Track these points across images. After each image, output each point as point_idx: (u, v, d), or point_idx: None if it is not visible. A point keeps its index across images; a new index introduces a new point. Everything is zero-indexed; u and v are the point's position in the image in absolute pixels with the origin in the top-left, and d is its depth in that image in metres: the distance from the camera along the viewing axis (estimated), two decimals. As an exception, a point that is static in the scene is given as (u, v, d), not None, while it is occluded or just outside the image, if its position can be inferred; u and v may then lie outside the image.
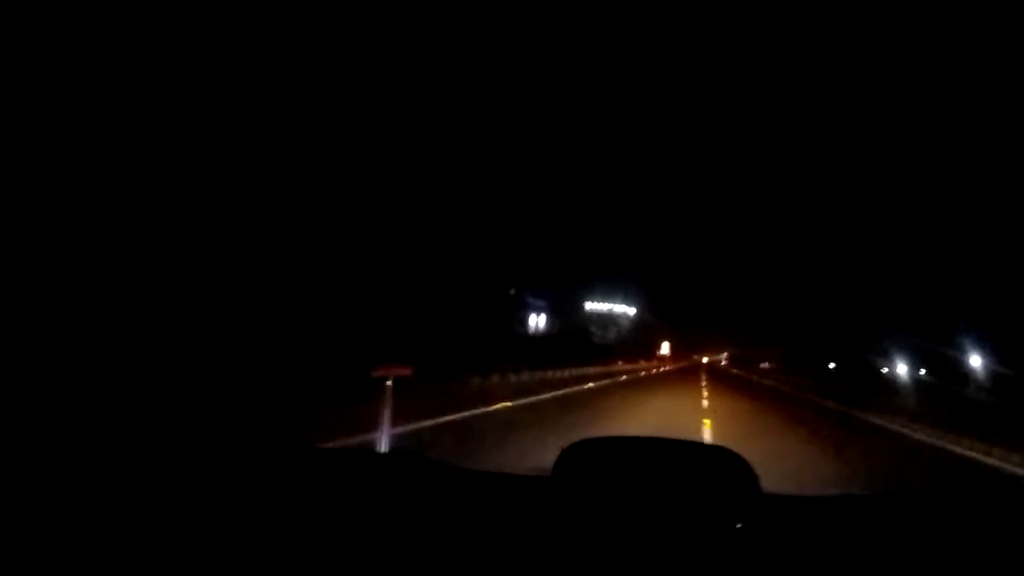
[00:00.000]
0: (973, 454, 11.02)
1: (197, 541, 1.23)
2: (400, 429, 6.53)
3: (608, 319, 70.29)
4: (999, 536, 1.35)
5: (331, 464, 1.80)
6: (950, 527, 1.43)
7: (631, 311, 76.31)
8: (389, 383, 5.51)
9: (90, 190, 10.40)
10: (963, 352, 24.77)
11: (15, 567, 1.11)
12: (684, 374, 39.64)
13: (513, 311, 38.75)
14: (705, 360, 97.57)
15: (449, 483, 1.67)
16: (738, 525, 1.28)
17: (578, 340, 53.54)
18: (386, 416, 5.44)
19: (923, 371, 33.05)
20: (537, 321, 43.39)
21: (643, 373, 39.59)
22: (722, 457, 1.42)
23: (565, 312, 51.28)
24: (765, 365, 66.00)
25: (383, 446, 5.34)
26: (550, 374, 23.86)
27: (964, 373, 25.13)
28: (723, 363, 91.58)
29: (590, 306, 67.16)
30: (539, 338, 42.02)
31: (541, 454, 5.25)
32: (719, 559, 1.23)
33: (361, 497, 1.50)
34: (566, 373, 26.36)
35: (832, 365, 50.36)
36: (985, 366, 24.20)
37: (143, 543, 1.21)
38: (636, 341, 75.53)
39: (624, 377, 31.28)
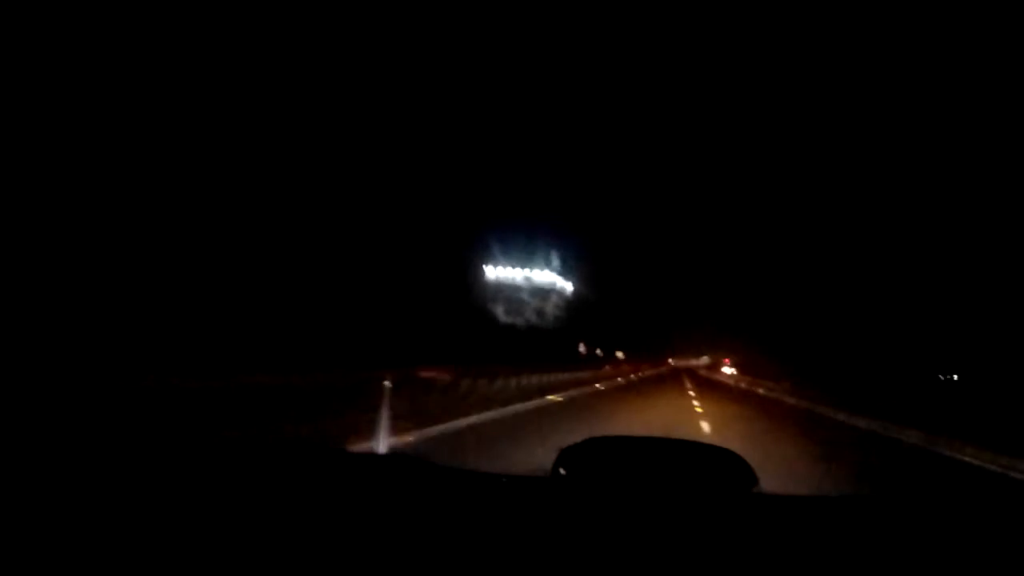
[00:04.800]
0: None
1: (197, 542, 1.23)
2: None
3: (523, 294, 46.78)
4: (994, 538, 1.36)
5: (330, 466, 1.76)
6: (946, 529, 1.45)
7: (567, 285, 53.14)
8: (388, 384, 5.61)
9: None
10: None
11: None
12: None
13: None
14: (687, 364, 68.81)
15: (448, 484, 1.65)
16: (736, 524, 1.31)
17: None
18: (384, 418, 5.50)
19: None
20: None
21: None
22: (721, 457, 1.47)
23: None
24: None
25: (381, 448, 5.36)
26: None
27: None
28: (731, 372, 54.88)
29: (495, 272, 43.84)
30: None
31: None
32: (717, 558, 1.23)
33: (361, 499, 1.49)
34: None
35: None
36: None
37: (159, 543, 1.22)
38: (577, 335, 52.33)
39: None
